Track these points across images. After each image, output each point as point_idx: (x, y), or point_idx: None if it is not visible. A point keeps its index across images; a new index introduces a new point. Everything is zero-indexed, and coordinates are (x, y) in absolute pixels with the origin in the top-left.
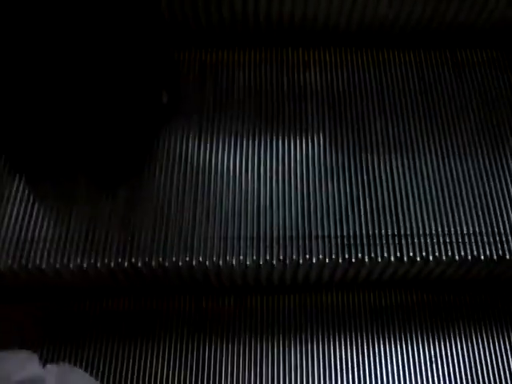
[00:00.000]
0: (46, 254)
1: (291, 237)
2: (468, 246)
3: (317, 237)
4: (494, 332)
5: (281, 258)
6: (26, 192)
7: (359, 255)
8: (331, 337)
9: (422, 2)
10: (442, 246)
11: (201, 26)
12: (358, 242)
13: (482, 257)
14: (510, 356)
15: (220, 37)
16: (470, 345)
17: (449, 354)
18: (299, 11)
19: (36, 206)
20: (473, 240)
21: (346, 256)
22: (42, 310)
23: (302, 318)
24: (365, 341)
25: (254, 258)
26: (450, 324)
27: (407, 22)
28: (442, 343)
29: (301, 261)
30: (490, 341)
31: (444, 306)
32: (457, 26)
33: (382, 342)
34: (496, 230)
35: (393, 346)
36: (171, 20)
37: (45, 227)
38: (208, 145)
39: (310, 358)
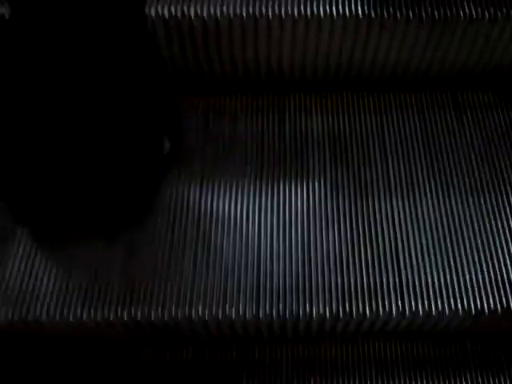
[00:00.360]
0: (46, 306)
1: (291, 288)
2: (472, 298)
3: (317, 288)
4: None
5: (280, 309)
6: (28, 245)
7: (360, 307)
8: None
9: (422, 47)
10: (445, 298)
11: (202, 73)
12: (359, 292)
13: (486, 310)
14: None
15: (222, 83)
16: None
17: None
18: (298, 59)
19: (37, 258)
20: (476, 291)
21: (347, 309)
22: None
23: (305, 369)
24: None
25: (254, 310)
26: (457, 376)
27: (407, 66)
28: None
29: (301, 313)
30: None
31: (452, 357)
32: (457, 69)
33: None
34: (500, 279)
35: None
36: (172, 66)
37: (45, 280)
38: (209, 193)
39: None
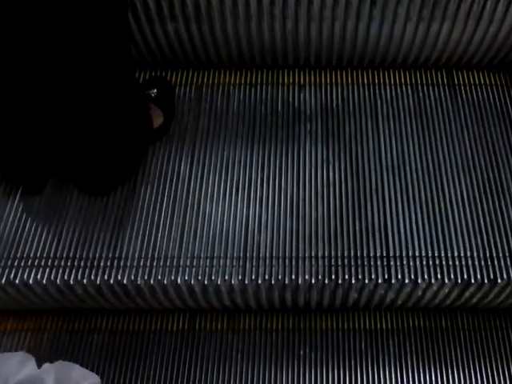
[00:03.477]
0: (33, 270)
1: (278, 257)
2: (458, 270)
3: (304, 257)
4: (488, 360)
5: (266, 277)
6: (19, 208)
7: (346, 276)
8: (323, 360)
9: (414, 23)
10: (432, 269)
11: (196, 49)
12: (346, 263)
13: (473, 280)
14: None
15: (215, 59)
16: (465, 372)
17: (445, 380)
18: (291, 37)
19: (28, 222)
20: (463, 263)
21: (333, 277)
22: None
23: (294, 340)
24: (358, 365)
25: (240, 277)
26: (444, 349)
27: (400, 42)
28: (438, 370)
29: (287, 281)
30: (483, 368)
31: (438, 331)
32: (451, 47)
33: (376, 366)
34: (488, 253)
35: (387, 370)
36: (166, 43)
37: (35, 243)
38: (200, 166)
39: (302, 380)
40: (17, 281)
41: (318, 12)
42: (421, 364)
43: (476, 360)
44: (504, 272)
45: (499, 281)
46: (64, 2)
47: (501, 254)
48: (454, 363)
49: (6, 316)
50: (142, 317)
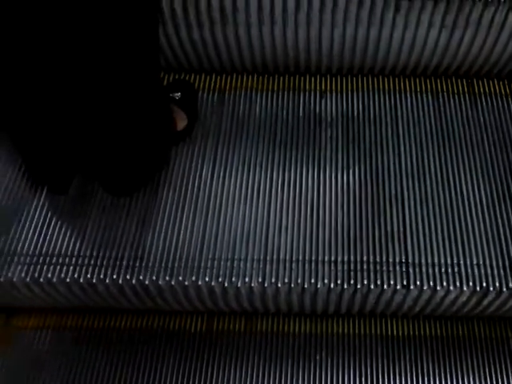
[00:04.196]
0: (58, 268)
1: (297, 260)
2: (477, 277)
3: (323, 262)
4: (504, 368)
5: (286, 280)
6: (45, 207)
7: (365, 281)
8: (340, 365)
9: (437, 31)
10: (451, 276)
11: (219, 53)
12: (365, 268)
13: (492, 288)
14: None
15: (239, 63)
16: (481, 381)
17: None
18: (314, 43)
19: (52, 220)
20: (482, 271)
21: (352, 282)
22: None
23: (311, 344)
24: (374, 371)
25: (260, 280)
26: (460, 358)
27: (422, 51)
28: (454, 378)
29: (306, 285)
30: (499, 377)
31: (455, 339)
32: (472, 56)
33: (392, 372)
34: (507, 261)
35: (403, 377)
36: (190, 47)
37: (59, 242)
38: (222, 168)
39: None
40: (41, 279)
41: (342, 18)
42: (437, 372)
43: (492, 369)
44: None
45: None
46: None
47: None
48: (471, 372)
49: (28, 313)
50: (160, 317)
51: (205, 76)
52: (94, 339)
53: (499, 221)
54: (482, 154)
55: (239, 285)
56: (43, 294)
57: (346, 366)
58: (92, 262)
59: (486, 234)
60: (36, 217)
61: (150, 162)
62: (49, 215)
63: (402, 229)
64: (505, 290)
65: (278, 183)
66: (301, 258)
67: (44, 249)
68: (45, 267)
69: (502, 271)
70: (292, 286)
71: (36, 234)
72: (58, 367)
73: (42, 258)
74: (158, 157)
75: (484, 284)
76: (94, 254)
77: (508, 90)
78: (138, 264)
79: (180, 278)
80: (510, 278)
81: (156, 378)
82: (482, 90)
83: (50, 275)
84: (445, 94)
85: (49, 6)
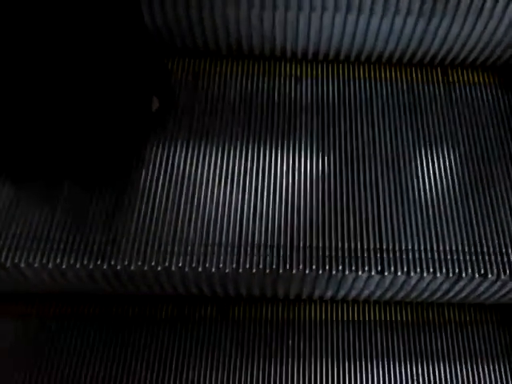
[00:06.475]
0: (25, 252)
1: (272, 246)
2: (450, 263)
3: (298, 247)
4: (474, 352)
5: (260, 266)
6: (11, 192)
7: (340, 267)
8: (312, 350)
9: (414, 19)
10: (424, 262)
11: (194, 36)
12: (340, 254)
13: (464, 274)
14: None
15: (213, 47)
16: (451, 365)
17: (431, 373)
18: (291, 27)
19: (20, 205)
20: (455, 257)
21: (327, 267)
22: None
23: (283, 330)
24: (346, 356)
25: (234, 265)
26: (431, 343)
27: (399, 39)
28: (425, 363)
29: (281, 270)
30: (468, 361)
31: (425, 325)
32: (448, 45)
33: (363, 357)
34: (479, 248)
35: (374, 362)
36: (165, 29)
37: (27, 226)
38: (195, 153)
39: (290, 370)
40: (7, 264)
41: (320, 3)
42: (408, 356)
43: (462, 353)
44: (494, 267)
45: (489, 276)
46: None
47: (491, 250)
48: (441, 356)
49: None
50: (130, 303)
51: (178, 59)
52: (61, 327)
53: (471, 207)
54: (455, 143)
55: (213, 270)
56: (10, 280)
57: (319, 351)
58: (62, 246)
59: (458, 221)
60: (3, 198)
61: (125, 141)
62: (17, 197)
63: (376, 215)
64: (477, 276)
65: (252, 169)
66: (276, 243)
67: (10, 234)
68: (11, 251)
69: (473, 257)
70: (267, 271)
71: (3, 216)
72: (24, 355)
73: (8, 241)
74: (132, 136)
75: (457, 270)
76: (64, 238)
77: (482, 79)
78: (109, 249)
79: (152, 264)
80: (481, 264)
81: (126, 366)
82: (456, 78)
83: (16, 260)
84: (419, 82)
85: None
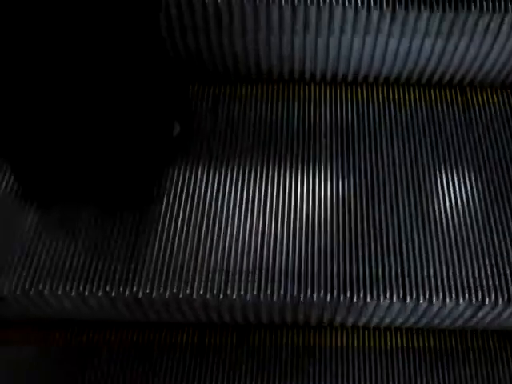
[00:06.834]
0: (48, 280)
1: (293, 272)
2: (473, 289)
3: (319, 273)
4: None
5: (281, 293)
6: (35, 219)
7: (361, 294)
8: (333, 377)
9: (432, 39)
10: (447, 288)
11: (214, 61)
12: (361, 280)
13: (488, 300)
14: None
15: (233, 71)
16: None
17: None
18: (309, 50)
19: (43, 232)
20: (478, 283)
21: (348, 294)
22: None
23: (304, 356)
24: (368, 383)
25: (255, 292)
26: (454, 370)
27: (417, 60)
28: None
29: (301, 298)
30: None
31: (448, 351)
32: (467, 65)
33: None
34: (502, 273)
35: None
36: (185, 54)
37: (50, 255)
38: (216, 177)
39: None
40: (31, 292)
41: (339, 27)
42: (431, 383)
43: (486, 381)
44: None
45: None
46: None
47: None
48: None
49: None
50: (151, 330)
51: (198, 85)
52: (86, 354)
53: (494, 231)
54: (477, 165)
55: (234, 297)
56: (33, 307)
57: (340, 378)
58: (84, 274)
59: (480, 245)
60: (26, 225)
61: (147, 166)
62: (40, 225)
63: (397, 240)
64: (500, 301)
65: (272, 193)
66: (296, 269)
67: (34, 261)
68: (35, 280)
69: (497, 282)
70: (287, 298)
71: (26, 246)
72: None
73: (32, 271)
74: (154, 162)
75: (480, 296)
76: (86, 266)
77: (501, 99)
78: (130, 277)
79: (174, 291)
80: (505, 290)
81: None
82: (475, 99)
83: (41, 287)
84: (438, 103)
85: None
